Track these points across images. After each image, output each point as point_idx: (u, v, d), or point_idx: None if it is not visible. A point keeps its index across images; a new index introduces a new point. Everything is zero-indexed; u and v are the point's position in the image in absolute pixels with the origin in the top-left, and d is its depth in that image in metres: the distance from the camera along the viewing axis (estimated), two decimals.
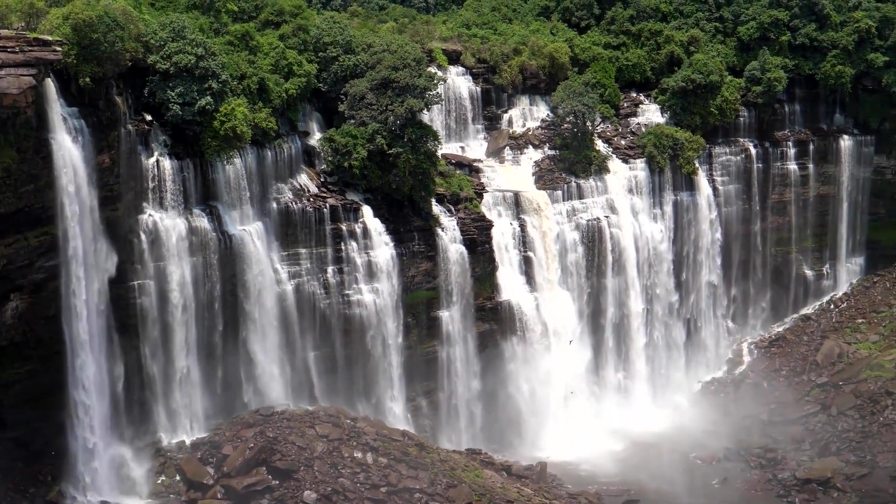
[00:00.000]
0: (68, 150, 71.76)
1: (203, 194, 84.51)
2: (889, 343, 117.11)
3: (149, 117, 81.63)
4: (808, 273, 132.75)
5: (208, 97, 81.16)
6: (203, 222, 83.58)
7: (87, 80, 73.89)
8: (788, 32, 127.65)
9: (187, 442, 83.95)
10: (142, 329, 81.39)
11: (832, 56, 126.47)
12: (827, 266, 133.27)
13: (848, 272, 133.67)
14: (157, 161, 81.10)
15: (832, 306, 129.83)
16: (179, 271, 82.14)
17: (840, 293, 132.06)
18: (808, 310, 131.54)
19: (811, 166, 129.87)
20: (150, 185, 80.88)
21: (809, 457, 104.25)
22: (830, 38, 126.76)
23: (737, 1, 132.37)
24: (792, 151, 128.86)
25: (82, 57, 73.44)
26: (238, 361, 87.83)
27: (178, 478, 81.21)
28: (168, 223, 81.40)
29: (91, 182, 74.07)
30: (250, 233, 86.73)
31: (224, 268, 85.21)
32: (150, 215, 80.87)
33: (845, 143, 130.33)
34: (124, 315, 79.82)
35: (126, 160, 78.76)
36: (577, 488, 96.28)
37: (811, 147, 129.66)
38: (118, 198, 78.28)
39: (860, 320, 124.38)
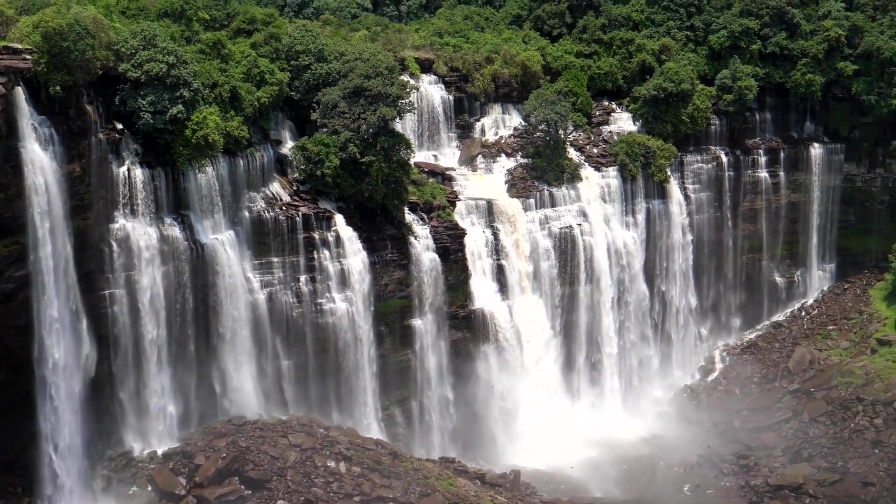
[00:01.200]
0: (38, 159, 71.33)
1: (175, 203, 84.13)
2: (860, 350, 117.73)
3: (120, 126, 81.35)
4: (780, 280, 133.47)
5: (180, 105, 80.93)
6: (175, 231, 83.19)
7: (58, 88, 73.44)
8: (759, 41, 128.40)
9: (159, 452, 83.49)
10: (113, 339, 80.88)
11: (802, 64, 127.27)
12: (798, 273, 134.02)
13: (819, 279, 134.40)
14: (129, 170, 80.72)
15: (803, 313, 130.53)
16: (151, 280, 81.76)
17: (811, 300, 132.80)
18: (779, 317, 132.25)
19: (782, 174, 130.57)
20: (122, 193, 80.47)
21: (782, 463, 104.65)
22: (800, 46, 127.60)
23: (708, 10, 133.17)
24: (763, 159, 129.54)
25: (52, 65, 73.02)
26: (210, 371, 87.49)
27: (149, 488, 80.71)
28: (139, 232, 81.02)
29: (61, 191, 73.59)
30: (222, 241, 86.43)
31: (196, 277, 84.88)
32: (121, 224, 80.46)
33: (816, 150, 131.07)
34: (95, 325, 79.25)
35: (97, 169, 78.38)
36: (550, 496, 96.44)
37: (782, 155, 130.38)
38: (89, 207, 77.87)
39: (831, 327, 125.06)
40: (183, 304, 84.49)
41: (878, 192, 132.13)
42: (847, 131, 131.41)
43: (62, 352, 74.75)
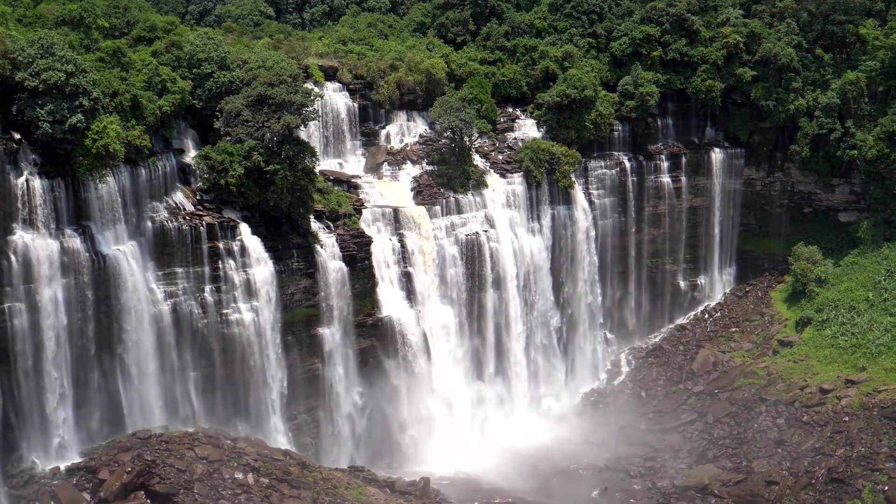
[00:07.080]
0: None
1: (75, 214, 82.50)
2: (762, 351, 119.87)
3: (17, 136, 79.57)
4: (683, 283, 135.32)
5: (79, 115, 79.52)
6: (75, 243, 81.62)
7: None
8: (660, 48, 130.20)
9: (62, 468, 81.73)
10: (13, 353, 79.08)
11: (702, 71, 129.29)
12: (701, 276, 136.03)
13: (721, 282, 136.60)
14: (27, 180, 79.02)
15: (706, 316, 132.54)
16: (51, 293, 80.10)
17: (713, 303, 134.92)
18: (683, 320, 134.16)
19: (684, 179, 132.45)
20: (20, 205, 78.71)
21: (687, 464, 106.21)
22: (700, 53, 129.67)
23: (609, 17, 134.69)
24: (665, 164, 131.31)
25: None
26: (114, 384, 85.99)
27: None
28: (39, 244, 79.30)
29: None
30: (125, 252, 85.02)
31: (98, 289, 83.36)
32: (20, 236, 78.69)
33: (716, 155, 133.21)
34: None
35: None
36: (460, 503, 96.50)
37: (683, 160, 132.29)
38: None
39: (733, 329, 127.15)
40: (84, 317, 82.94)
41: (777, 196, 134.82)
42: (746, 136, 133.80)
43: None
